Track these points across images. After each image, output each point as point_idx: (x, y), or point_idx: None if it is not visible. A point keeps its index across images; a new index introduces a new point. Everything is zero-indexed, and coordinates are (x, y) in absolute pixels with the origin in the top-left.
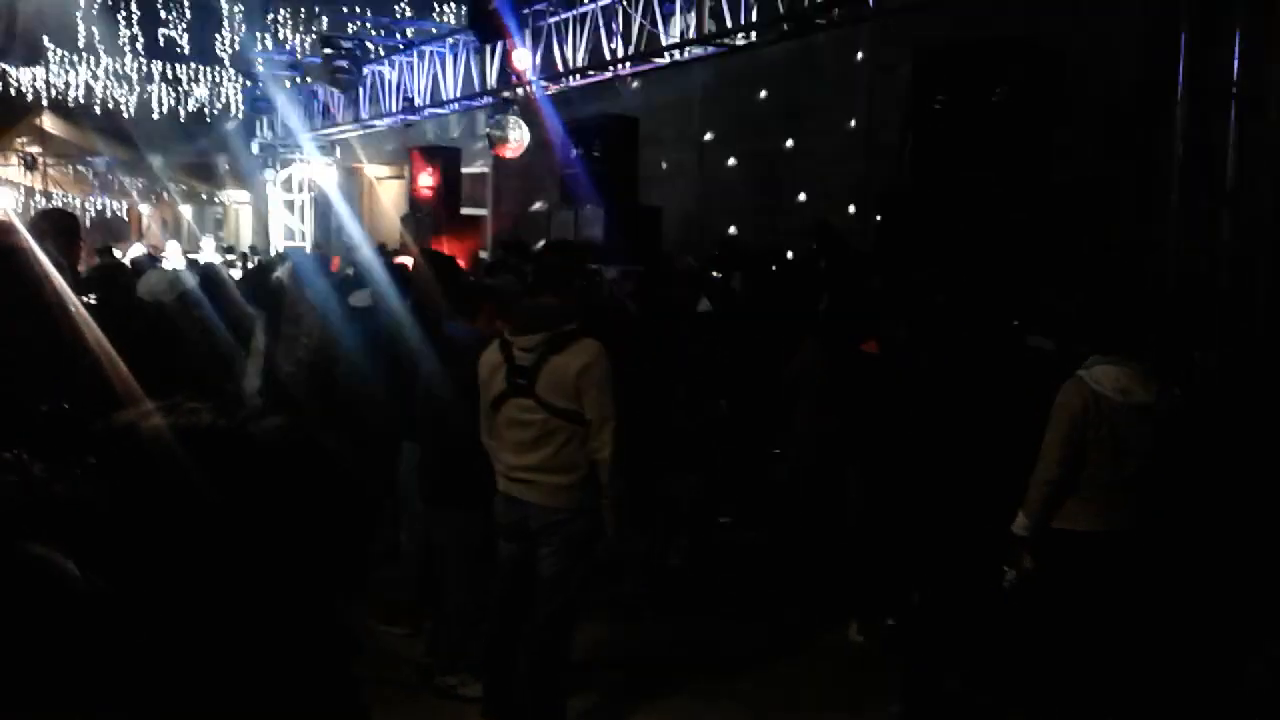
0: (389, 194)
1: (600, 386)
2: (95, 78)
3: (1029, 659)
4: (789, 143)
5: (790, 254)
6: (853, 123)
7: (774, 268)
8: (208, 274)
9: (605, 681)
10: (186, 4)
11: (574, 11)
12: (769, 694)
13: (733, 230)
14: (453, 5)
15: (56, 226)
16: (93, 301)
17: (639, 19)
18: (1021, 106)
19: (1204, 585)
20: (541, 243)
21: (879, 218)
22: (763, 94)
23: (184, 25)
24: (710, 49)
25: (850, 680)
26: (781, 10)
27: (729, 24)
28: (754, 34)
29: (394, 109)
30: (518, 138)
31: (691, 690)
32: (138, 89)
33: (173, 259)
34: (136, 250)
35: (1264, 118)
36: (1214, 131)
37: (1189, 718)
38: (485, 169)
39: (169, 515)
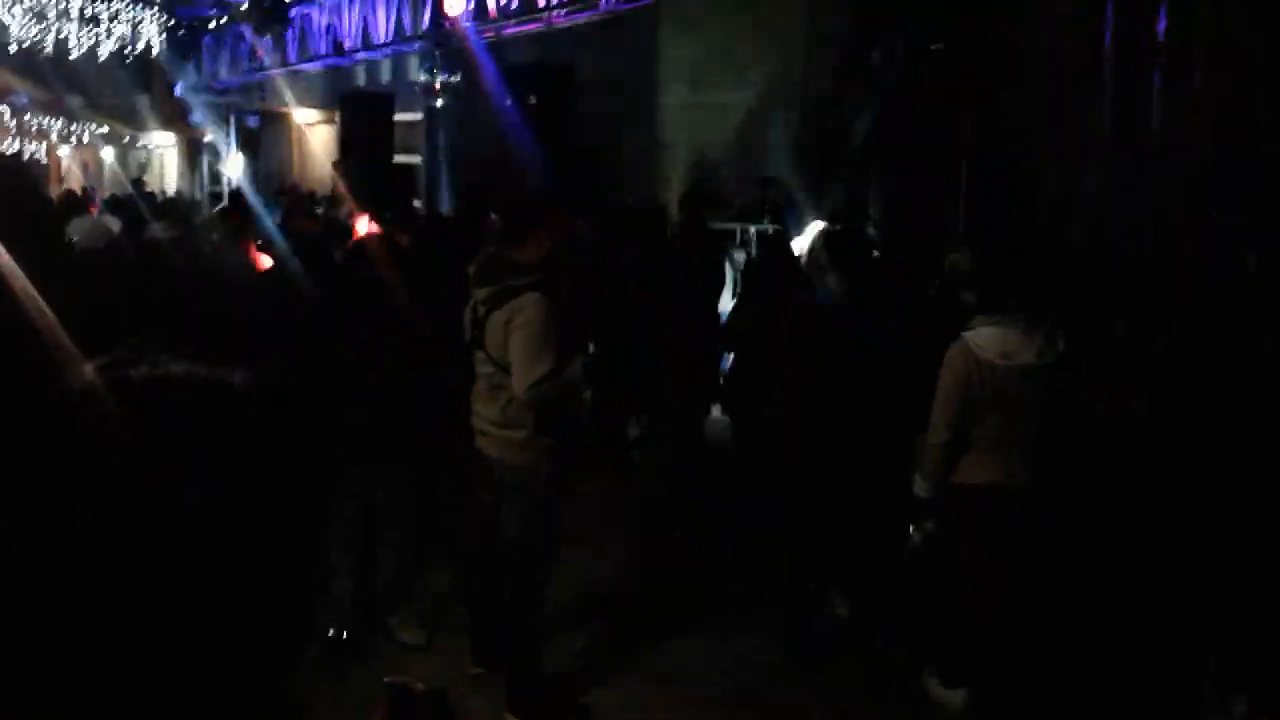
0: (319, 139)
1: (519, 330)
2: (10, 14)
3: (941, 615)
4: (728, 94)
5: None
6: (792, 75)
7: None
8: None
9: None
10: None
11: None
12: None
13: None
14: None
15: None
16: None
17: None
18: (959, 62)
19: (1113, 544)
20: None
21: (814, 172)
22: (701, 44)
23: None
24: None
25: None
26: None
27: None
28: None
29: (323, 52)
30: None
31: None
32: (54, 27)
33: None
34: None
35: (1190, 79)
36: (1140, 92)
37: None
38: (418, 115)
39: (139, 470)
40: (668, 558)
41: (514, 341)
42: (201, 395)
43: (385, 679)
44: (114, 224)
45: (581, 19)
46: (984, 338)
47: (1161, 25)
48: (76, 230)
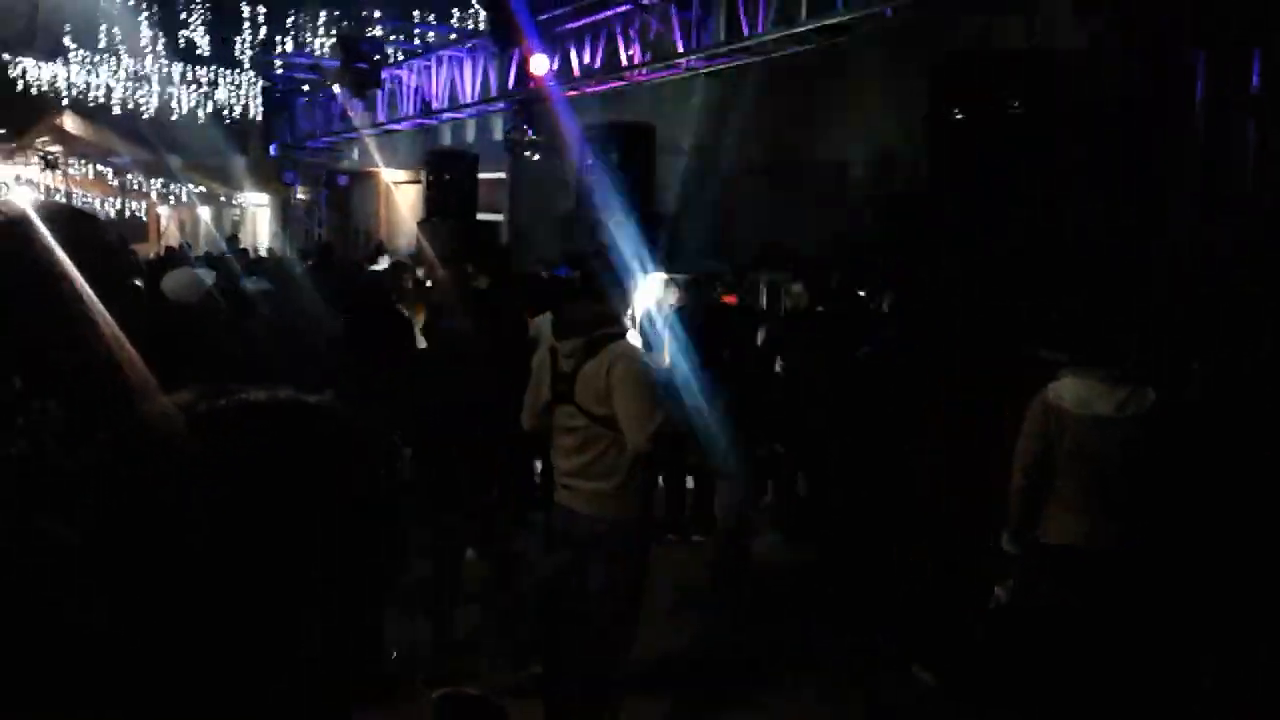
0: (406, 198)
1: (624, 383)
2: (116, 78)
3: (1019, 670)
4: (806, 151)
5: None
6: (866, 135)
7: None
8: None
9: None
10: (207, 5)
11: (591, 18)
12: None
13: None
14: (471, 9)
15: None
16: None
17: (655, 26)
18: (1039, 117)
19: (1192, 604)
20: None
21: (896, 227)
22: (779, 102)
23: (204, 26)
24: (725, 58)
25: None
26: (803, 16)
27: (745, 32)
28: (769, 41)
29: (411, 112)
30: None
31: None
32: (157, 89)
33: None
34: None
35: None
36: (1233, 141)
37: None
38: (502, 174)
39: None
40: (737, 616)
41: (623, 393)
42: (272, 413)
43: (434, 693)
44: (209, 277)
45: (662, 78)
46: (1064, 387)
47: (1255, 75)
48: (171, 283)
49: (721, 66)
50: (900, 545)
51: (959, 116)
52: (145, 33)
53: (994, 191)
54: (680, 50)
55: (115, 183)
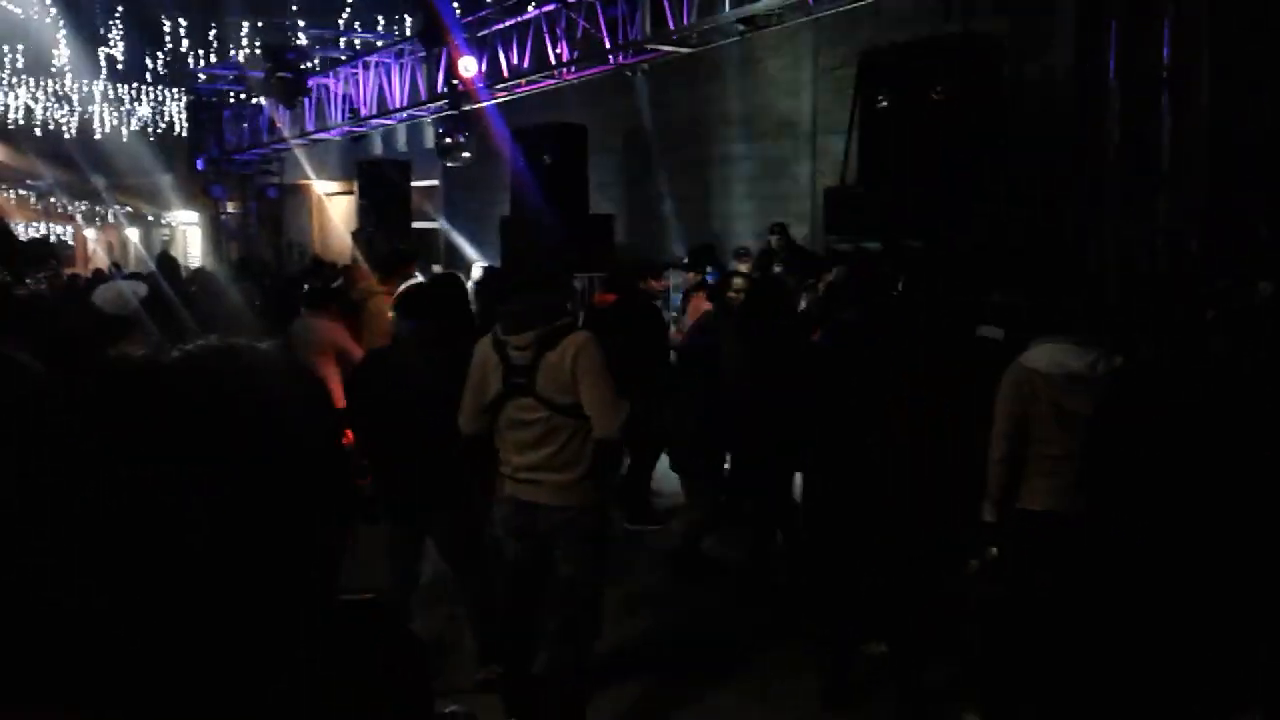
0: (339, 210)
1: (591, 373)
2: (35, 99)
3: (998, 647)
4: (736, 147)
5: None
6: (798, 125)
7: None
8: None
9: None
10: (127, 20)
11: (516, 18)
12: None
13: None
14: (397, 17)
15: None
16: None
17: (582, 23)
18: (963, 102)
19: (1174, 571)
20: None
21: (826, 217)
22: (708, 99)
23: (125, 42)
24: (653, 53)
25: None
26: (725, 12)
27: (672, 28)
28: (696, 37)
29: (340, 121)
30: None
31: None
32: (79, 109)
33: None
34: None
35: (1196, 102)
36: (1149, 117)
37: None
38: (435, 181)
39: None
40: (696, 598)
41: (589, 383)
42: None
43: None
44: (141, 289)
45: (592, 74)
46: (1036, 353)
47: (1166, 47)
48: (103, 296)
49: (648, 60)
50: (865, 535)
51: (884, 105)
52: (65, 51)
53: (924, 176)
54: (607, 46)
55: (38, 206)
